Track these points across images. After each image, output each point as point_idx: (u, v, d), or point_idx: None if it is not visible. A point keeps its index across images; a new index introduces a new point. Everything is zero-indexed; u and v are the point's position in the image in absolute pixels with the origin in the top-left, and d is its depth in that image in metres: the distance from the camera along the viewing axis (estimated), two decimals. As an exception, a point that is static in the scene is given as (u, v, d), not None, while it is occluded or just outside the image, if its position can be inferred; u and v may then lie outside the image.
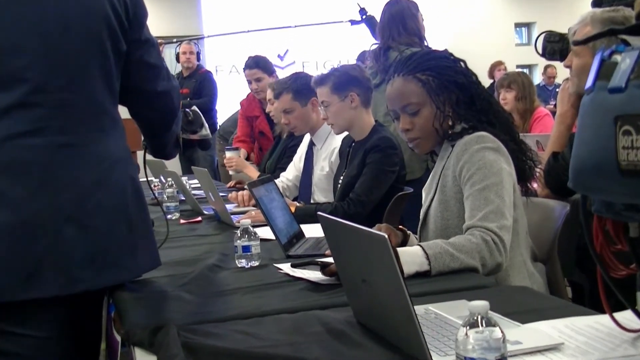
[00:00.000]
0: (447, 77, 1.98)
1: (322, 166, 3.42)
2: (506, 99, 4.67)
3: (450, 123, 1.99)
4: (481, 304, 0.98)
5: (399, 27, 3.75)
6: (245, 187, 3.19)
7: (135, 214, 1.68)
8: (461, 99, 1.98)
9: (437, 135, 2.00)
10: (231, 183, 4.14)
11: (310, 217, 2.69)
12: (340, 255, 1.38)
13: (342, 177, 3.07)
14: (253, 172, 4.06)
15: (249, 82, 4.74)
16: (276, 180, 3.09)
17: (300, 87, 3.50)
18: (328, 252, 1.94)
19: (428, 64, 1.99)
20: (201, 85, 6.74)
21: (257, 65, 4.76)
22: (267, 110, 4.14)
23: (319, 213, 1.36)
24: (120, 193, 1.65)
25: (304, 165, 3.60)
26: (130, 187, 1.68)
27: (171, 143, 1.97)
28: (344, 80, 2.97)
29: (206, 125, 2.36)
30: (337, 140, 3.33)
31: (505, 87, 4.73)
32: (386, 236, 1.08)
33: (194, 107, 2.35)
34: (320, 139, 3.50)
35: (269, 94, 4.06)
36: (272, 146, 4.36)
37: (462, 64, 2.03)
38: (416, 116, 1.99)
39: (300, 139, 3.98)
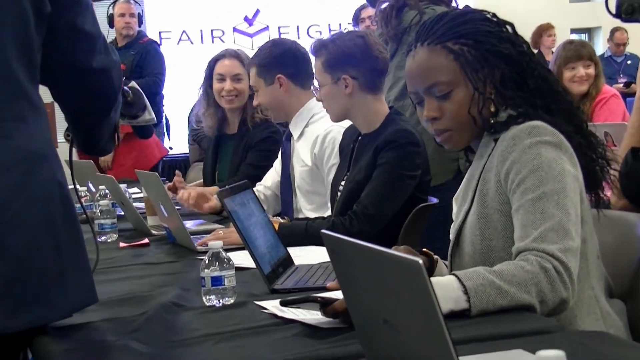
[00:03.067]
0: (488, 46, 1.99)
1: (302, 160, 3.45)
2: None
3: (492, 109, 2.00)
4: (554, 355, 0.99)
5: None
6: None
7: (64, 231, 1.69)
8: (508, 76, 1.99)
9: (475, 126, 2.01)
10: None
11: (299, 237, 2.70)
12: (353, 288, 1.38)
13: (343, 182, 3.09)
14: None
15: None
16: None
17: (265, 58, 3.53)
18: (331, 284, 1.95)
19: (463, 29, 2.01)
20: (143, 60, 6.72)
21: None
22: (227, 88, 4.12)
23: (324, 231, 1.36)
24: (44, 203, 1.66)
25: (282, 165, 3.62)
26: (57, 195, 1.69)
27: (107, 135, 1.98)
28: (338, 57, 2.99)
29: (149, 107, 2.38)
30: (320, 125, 3.37)
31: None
32: (420, 262, 1.09)
33: (133, 83, 2.36)
34: (298, 127, 3.53)
35: (229, 67, 4.08)
36: (211, 145, 4.32)
37: (508, 28, 2.05)
38: (447, 100, 2.00)
39: (270, 130, 3.99)
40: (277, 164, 3.69)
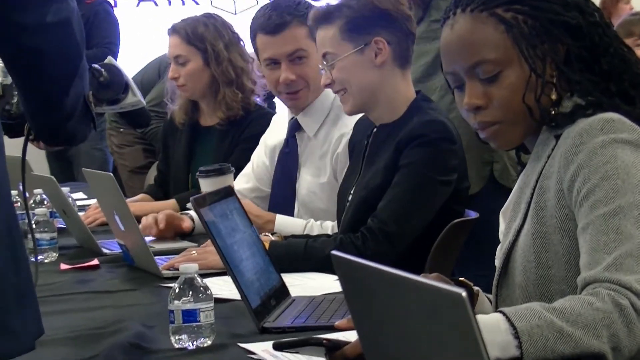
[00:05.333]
0: (550, 14, 2.00)
1: (318, 168, 3.43)
2: (632, 57, 4.75)
3: (553, 96, 2.00)
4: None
5: None
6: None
7: (19, 242, 1.70)
8: (575, 53, 2.00)
9: (531, 118, 2.01)
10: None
11: (297, 260, 2.71)
12: (372, 326, 1.38)
13: (353, 189, 3.09)
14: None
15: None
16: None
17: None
18: (340, 322, 1.95)
19: (517, -8, 2.01)
20: (91, 25, 6.77)
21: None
22: (170, 76, 4.12)
23: (334, 252, 1.36)
24: (3, 201, 1.67)
25: (279, 168, 3.60)
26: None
27: (76, 115, 1.98)
28: (366, 16, 2.97)
29: (134, 86, 2.39)
30: (350, 121, 3.33)
31: (634, 37, 4.79)
32: (464, 294, 1.08)
33: (110, 59, 2.37)
34: (315, 118, 3.51)
35: (170, 48, 4.10)
36: (183, 139, 4.25)
37: (576, -9, 2.05)
38: (495, 83, 2.00)
39: (265, 120, 3.97)
40: (260, 163, 3.68)
